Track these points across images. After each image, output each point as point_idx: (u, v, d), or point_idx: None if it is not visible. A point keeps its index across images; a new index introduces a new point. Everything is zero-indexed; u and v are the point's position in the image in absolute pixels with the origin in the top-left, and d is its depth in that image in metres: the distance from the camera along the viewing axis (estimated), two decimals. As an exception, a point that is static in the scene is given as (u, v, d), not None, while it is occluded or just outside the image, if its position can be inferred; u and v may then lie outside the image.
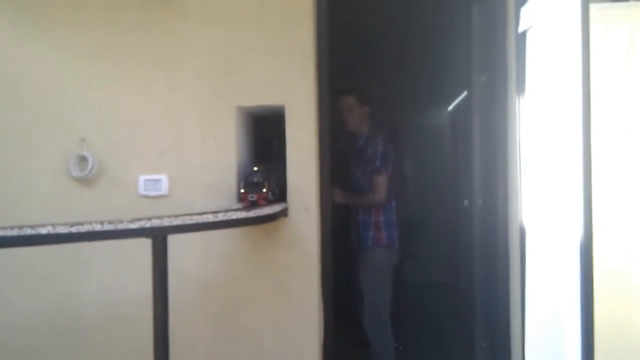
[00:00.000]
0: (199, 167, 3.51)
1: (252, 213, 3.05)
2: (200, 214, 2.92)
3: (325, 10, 3.71)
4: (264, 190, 3.20)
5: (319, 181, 3.63)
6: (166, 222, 2.74)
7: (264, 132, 3.99)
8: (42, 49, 3.64)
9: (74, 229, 2.58)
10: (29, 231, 2.55)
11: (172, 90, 3.59)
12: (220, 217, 2.92)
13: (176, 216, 2.83)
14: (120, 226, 2.67)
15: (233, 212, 2.97)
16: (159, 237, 2.75)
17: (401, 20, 6.16)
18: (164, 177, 3.51)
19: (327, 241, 3.66)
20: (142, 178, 3.50)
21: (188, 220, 2.82)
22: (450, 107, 8.09)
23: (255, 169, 3.30)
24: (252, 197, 3.19)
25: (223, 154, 3.54)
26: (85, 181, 3.54)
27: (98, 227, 2.62)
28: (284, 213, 3.43)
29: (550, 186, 2.69)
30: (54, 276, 3.58)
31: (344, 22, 4.69)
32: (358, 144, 4.64)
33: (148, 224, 2.70)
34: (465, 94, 5.79)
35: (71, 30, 3.62)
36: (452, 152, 8.05)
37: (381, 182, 4.45)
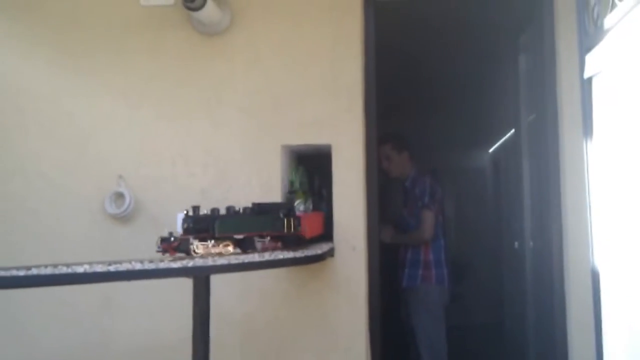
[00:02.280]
0: (242, 204, 3.28)
1: (300, 253, 2.80)
2: (245, 252, 2.66)
3: (374, 54, 3.61)
4: (172, 239, 2.64)
5: (367, 221, 3.44)
6: (210, 262, 2.48)
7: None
8: (82, 88, 3.53)
9: (112, 268, 2.33)
10: (64, 270, 2.31)
11: (216, 128, 3.45)
12: (266, 256, 2.65)
13: (220, 255, 2.57)
14: (162, 265, 2.41)
15: (279, 252, 2.72)
16: (201, 277, 2.51)
17: (446, 64, 6.08)
18: (203, 215, 3.29)
19: (375, 282, 3.48)
20: (180, 215, 3.28)
21: (233, 260, 2.55)
22: (492, 149, 7.86)
23: (185, 211, 2.75)
24: (159, 248, 2.61)
25: (267, 192, 3.35)
26: (122, 218, 3.38)
27: (138, 266, 2.37)
28: (330, 253, 3.19)
29: (631, 229, 2.40)
30: (84, 316, 3.40)
31: (391, 64, 4.50)
32: (405, 185, 4.54)
33: (191, 263, 2.44)
34: (511, 132, 5.60)
35: (113, 68, 3.52)
36: (493, 194, 7.80)
37: (428, 217, 4.32)
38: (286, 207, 2.87)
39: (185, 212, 2.68)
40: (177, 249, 2.57)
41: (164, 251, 2.56)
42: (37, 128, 3.49)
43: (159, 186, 3.41)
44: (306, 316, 3.32)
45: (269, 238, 2.76)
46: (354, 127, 3.40)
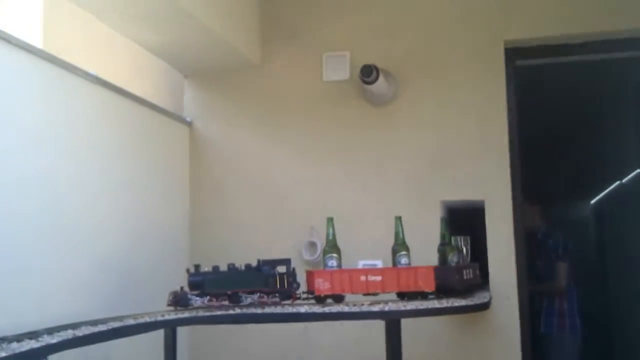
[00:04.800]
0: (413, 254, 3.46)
1: (469, 301, 2.96)
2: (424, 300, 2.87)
3: (516, 114, 3.74)
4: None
5: (517, 272, 3.54)
6: (401, 307, 2.72)
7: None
8: (279, 149, 3.93)
9: (326, 310, 2.61)
10: (290, 309, 2.60)
11: (384, 186, 3.70)
12: (444, 303, 2.84)
13: (408, 301, 2.79)
14: (363, 308, 2.67)
15: (455, 300, 2.89)
16: (394, 320, 2.71)
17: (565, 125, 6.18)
18: (379, 262, 3.45)
19: (526, 329, 3.57)
20: (361, 263, 3.48)
21: (419, 306, 2.77)
22: (594, 201, 7.82)
23: (187, 269, 2.79)
24: (170, 301, 2.72)
25: (427, 243, 3.41)
26: (316, 264, 3.59)
27: (346, 309, 2.64)
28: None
29: None
30: (289, 349, 3.64)
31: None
32: (537, 237, 4.65)
33: (386, 308, 2.68)
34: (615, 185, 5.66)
35: (303, 133, 3.90)
36: (599, 246, 7.70)
37: (562, 269, 4.47)
38: (283, 264, 2.87)
39: (187, 269, 2.77)
40: (173, 303, 2.70)
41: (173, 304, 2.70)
42: (247, 185, 3.90)
43: (342, 236, 3.52)
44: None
45: (258, 294, 2.77)
46: (503, 184, 3.56)
